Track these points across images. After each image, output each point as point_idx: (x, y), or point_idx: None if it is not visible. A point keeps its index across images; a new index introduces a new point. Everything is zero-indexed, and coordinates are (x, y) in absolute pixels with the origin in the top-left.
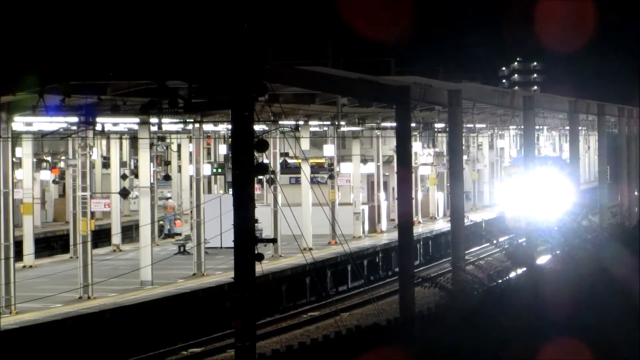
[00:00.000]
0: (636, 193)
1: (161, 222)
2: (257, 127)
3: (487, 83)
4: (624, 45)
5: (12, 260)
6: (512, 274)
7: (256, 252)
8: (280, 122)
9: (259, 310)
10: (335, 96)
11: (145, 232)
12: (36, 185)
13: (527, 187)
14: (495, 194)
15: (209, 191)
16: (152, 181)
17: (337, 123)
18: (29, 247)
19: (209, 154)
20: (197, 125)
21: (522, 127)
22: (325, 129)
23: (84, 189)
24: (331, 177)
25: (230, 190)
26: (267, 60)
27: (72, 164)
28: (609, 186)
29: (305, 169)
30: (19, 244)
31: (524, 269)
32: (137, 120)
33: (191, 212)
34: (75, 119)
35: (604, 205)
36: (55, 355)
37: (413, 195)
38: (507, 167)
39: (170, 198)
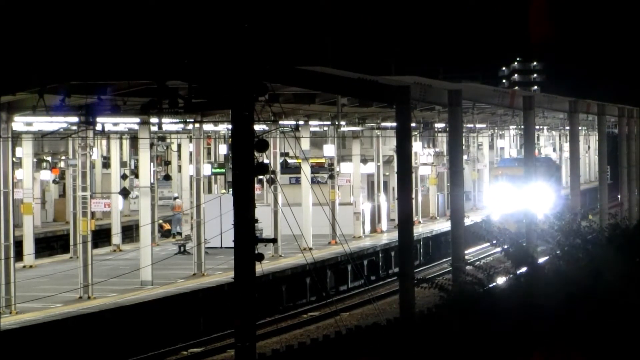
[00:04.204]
0: (637, 193)
1: (160, 222)
2: (257, 127)
3: (487, 83)
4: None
5: (12, 260)
6: (511, 275)
7: (256, 252)
8: (280, 122)
9: (259, 310)
10: (335, 96)
11: (145, 232)
12: (36, 185)
13: (513, 190)
14: (484, 196)
15: (209, 191)
16: (152, 181)
17: (337, 123)
18: (29, 247)
19: (209, 154)
20: (197, 125)
21: (522, 127)
22: (325, 129)
23: (84, 189)
24: (331, 177)
25: (231, 190)
26: (267, 60)
27: (72, 164)
28: (609, 186)
29: (305, 169)
30: (19, 244)
31: (524, 269)
32: (137, 120)
33: (191, 212)
34: (75, 119)
35: (604, 205)
36: (55, 355)
37: (413, 195)
38: (494, 169)
39: (177, 198)
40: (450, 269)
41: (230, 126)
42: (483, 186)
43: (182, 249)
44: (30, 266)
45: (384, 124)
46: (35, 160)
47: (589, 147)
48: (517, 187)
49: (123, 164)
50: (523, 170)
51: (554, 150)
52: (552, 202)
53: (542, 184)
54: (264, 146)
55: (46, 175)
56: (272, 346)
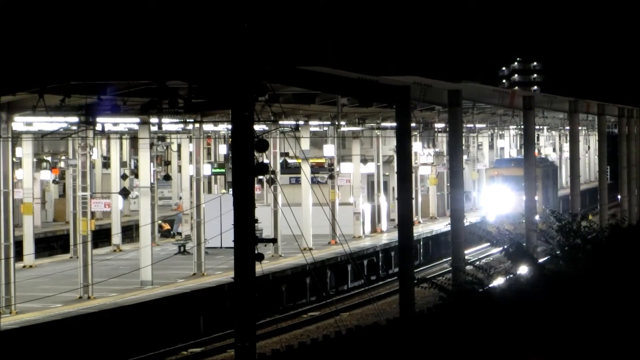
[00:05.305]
0: (637, 193)
1: (160, 222)
2: (257, 127)
3: (487, 83)
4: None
5: (12, 260)
6: (511, 275)
7: (256, 252)
8: (280, 122)
9: (259, 310)
10: (335, 96)
11: (145, 232)
12: (36, 185)
13: (509, 190)
14: (479, 198)
15: (209, 191)
16: (152, 181)
17: (337, 123)
18: (29, 247)
19: (209, 154)
20: (197, 125)
21: (522, 127)
22: (325, 129)
23: (84, 189)
24: (331, 177)
25: (231, 190)
26: (267, 60)
27: (72, 164)
28: (609, 186)
29: (305, 169)
30: (19, 244)
31: (523, 270)
32: (137, 120)
33: (191, 212)
34: (75, 119)
35: (603, 205)
36: (55, 355)
37: (413, 195)
38: (490, 169)
39: (181, 198)
40: (450, 269)
41: (230, 126)
42: (483, 186)
43: (182, 249)
44: (30, 266)
45: (384, 124)
46: (35, 160)
47: (589, 147)
48: (513, 187)
49: (123, 164)
50: (519, 170)
51: (554, 150)
52: (548, 203)
53: (538, 184)
54: (264, 146)
55: (46, 175)
56: (272, 346)
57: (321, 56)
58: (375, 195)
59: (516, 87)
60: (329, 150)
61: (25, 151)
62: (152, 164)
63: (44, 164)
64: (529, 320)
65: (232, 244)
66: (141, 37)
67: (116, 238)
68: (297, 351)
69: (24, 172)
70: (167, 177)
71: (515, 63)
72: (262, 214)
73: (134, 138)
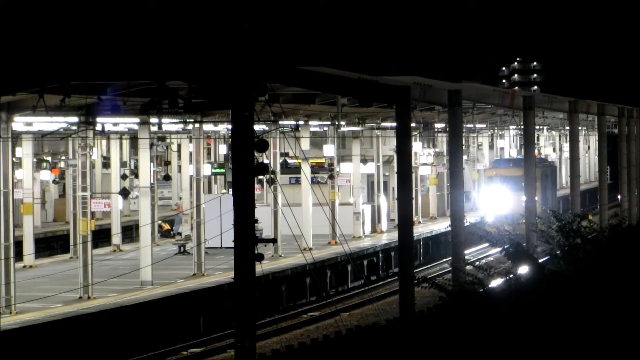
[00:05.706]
0: (636, 193)
1: (160, 222)
2: (257, 127)
3: (487, 83)
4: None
5: (12, 260)
6: (511, 275)
7: (256, 252)
8: (280, 122)
9: (259, 310)
10: (335, 96)
11: (145, 232)
12: (36, 185)
13: (507, 191)
14: (477, 198)
15: (209, 191)
16: (152, 181)
17: (337, 123)
18: (29, 247)
19: (209, 154)
20: (197, 125)
21: (522, 127)
22: (325, 129)
23: (84, 189)
24: (331, 177)
25: (231, 190)
26: (267, 60)
27: (72, 164)
28: (609, 186)
29: (305, 169)
30: (19, 244)
31: (523, 270)
32: (137, 120)
33: (191, 212)
34: (75, 119)
35: (603, 205)
36: (55, 355)
37: (413, 195)
38: (488, 170)
39: (181, 198)
40: (450, 269)
41: (230, 126)
42: (482, 187)
43: (182, 249)
44: (30, 266)
45: (384, 124)
46: (35, 160)
47: (588, 147)
48: (511, 188)
49: (123, 164)
50: (517, 171)
51: (554, 150)
52: (547, 203)
53: (537, 185)
54: (264, 146)
55: (46, 175)
56: (272, 346)
57: (321, 56)
58: (375, 196)
59: (516, 87)
60: (329, 150)
61: (25, 151)
62: (152, 164)
63: (44, 164)
64: (529, 320)
65: (232, 244)
66: (141, 38)
67: (116, 238)
68: (297, 351)
69: (24, 172)
70: (167, 177)
71: (515, 63)
72: (262, 214)
73: (134, 138)
